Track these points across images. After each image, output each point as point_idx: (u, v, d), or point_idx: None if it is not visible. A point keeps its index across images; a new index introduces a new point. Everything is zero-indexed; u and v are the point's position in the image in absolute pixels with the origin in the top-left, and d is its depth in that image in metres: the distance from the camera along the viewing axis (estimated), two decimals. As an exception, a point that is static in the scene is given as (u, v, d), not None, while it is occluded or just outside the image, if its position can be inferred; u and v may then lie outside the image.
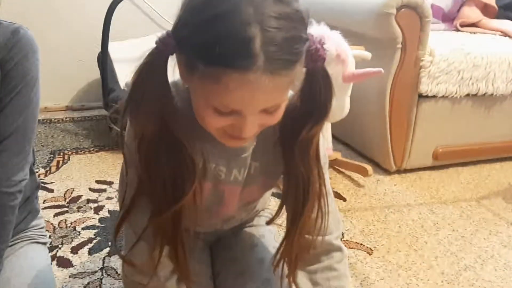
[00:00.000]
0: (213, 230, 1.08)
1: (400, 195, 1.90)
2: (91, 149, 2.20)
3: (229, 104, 0.67)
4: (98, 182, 1.86)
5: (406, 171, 2.08)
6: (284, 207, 0.90)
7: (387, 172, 2.08)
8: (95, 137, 2.35)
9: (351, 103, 1.74)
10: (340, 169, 2.06)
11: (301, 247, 0.89)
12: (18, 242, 1.08)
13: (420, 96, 1.98)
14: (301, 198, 0.84)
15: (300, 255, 0.91)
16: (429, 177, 2.07)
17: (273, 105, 0.69)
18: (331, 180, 1.96)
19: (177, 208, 0.78)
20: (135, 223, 0.82)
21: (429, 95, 1.98)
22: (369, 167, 1.95)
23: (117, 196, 1.73)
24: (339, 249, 0.94)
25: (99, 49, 2.28)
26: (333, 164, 2.05)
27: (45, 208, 1.63)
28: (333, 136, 2.03)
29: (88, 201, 1.71)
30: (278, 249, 0.91)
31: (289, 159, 0.82)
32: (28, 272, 1.00)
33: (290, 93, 0.76)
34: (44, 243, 1.15)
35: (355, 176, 2.01)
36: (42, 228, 1.17)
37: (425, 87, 1.95)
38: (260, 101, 0.67)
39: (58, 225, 1.54)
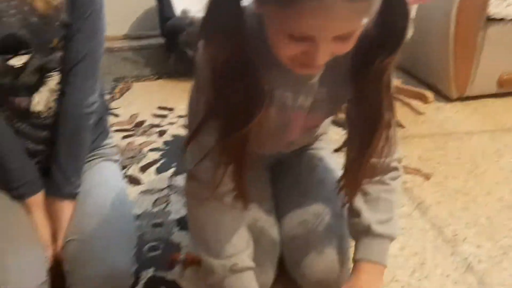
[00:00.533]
0: (275, 153, 1.12)
1: (461, 122, 1.86)
2: (151, 77, 2.26)
3: (304, 29, 0.66)
4: (160, 108, 1.94)
5: (468, 98, 2.02)
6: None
7: (448, 99, 2.02)
8: (154, 65, 2.41)
9: (414, 26, 1.68)
10: (400, 96, 2.02)
11: (365, 173, 0.91)
12: (93, 159, 1.16)
13: (488, 18, 1.87)
14: (371, 128, 0.84)
15: (363, 180, 0.93)
16: (492, 104, 2.00)
17: (348, 32, 0.68)
18: (389, 107, 1.93)
19: (244, 131, 0.81)
20: (202, 142, 0.86)
21: (497, 17, 1.87)
22: (430, 94, 1.91)
23: (181, 121, 1.80)
24: (395, 168, 0.96)
25: (155, -24, 2.28)
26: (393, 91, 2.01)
27: (113, 131, 1.73)
28: (393, 62, 1.98)
29: (152, 125, 1.79)
30: (342, 176, 0.93)
31: (360, 88, 0.82)
32: (106, 185, 1.09)
33: (365, 21, 0.74)
34: (116, 161, 1.23)
35: (415, 104, 1.97)
36: (113, 147, 1.25)
37: (494, 9, 1.84)
38: (335, 27, 0.66)
39: (126, 147, 1.63)
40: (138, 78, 2.24)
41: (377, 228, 0.92)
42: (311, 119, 0.95)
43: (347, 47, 0.71)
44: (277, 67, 0.78)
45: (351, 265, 0.98)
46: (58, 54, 1.00)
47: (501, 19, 1.88)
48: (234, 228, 0.92)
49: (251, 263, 0.91)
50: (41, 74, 1.01)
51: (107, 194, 1.06)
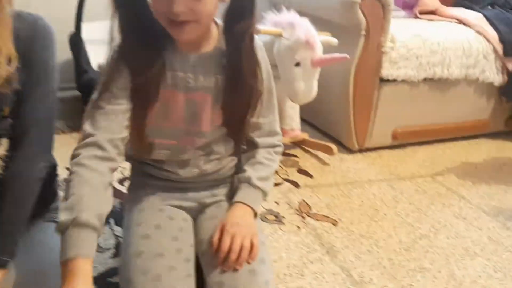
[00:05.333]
0: (195, 175, 1.16)
1: (362, 172, 2.04)
2: (65, 130, 2.24)
3: None
4: (74, 161, 1.92)
5: (367, 150, 2.23)
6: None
7: (350, 151, 2.22)
8: (68, 118, 2.38)
9: (318, 86, 1.86)
10: (307, 148, 2.18)
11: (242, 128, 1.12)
12: (37, 221, 1.11)
13: (382, 79, 2.11)
14: (239, 92, 1.05)
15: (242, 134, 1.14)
16: (388, 155, 2.23)
17: None
18: (299, 159, 2.08)
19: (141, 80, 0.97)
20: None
21: (390, 79, 2.12)
22: (334, 146, 2.08)
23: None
24: (279, 145, 1.20)
25: (70, 30, 2.30)
26: (301, 144, 2.17)
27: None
28: (301, 118, 2.15)
29: (66, 180, 1.76)
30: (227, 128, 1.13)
31: (229, 53, 1.02)
32: (46, 244, 1.04)
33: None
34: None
35: (321, 155, 2.14)
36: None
37: (386, 71, 2.09)
38: None
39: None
40: (50, 131, 2.20)
41: (255, 181, 1.14)
42: (216, 110, 1.08)
43: (202, 6, 0.89)
44: (174, 49, 0.99)
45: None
46: (8, 122, 0.97)
47: (393, 80, 2.13)
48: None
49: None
50: None
51: (46, 253, 1.02)
